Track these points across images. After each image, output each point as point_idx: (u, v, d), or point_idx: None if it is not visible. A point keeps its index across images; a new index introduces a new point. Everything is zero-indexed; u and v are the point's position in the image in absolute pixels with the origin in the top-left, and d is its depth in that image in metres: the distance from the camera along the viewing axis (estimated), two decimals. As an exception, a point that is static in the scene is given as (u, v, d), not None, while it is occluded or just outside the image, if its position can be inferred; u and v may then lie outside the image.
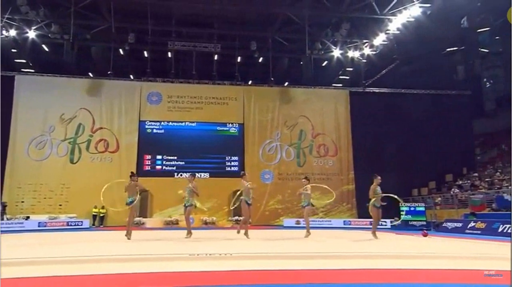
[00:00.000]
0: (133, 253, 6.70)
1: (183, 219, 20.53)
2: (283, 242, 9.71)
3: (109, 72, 24.48)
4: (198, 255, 6.17)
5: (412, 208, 18.55)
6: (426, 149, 25.08)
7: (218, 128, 24.51)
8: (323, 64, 28.07)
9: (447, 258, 6.39)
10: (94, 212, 22.44)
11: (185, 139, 24.03)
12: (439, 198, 22.32)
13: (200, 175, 23.47)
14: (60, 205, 22.63)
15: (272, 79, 25.75)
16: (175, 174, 23.81)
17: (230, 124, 24.66)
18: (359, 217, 23.17)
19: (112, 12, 22.65)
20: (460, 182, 23.44)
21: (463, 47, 28.45)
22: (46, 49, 24.18)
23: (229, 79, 25.61)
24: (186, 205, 11.31)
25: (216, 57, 25.52)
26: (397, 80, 26.71)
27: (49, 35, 23.59)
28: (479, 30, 28.15)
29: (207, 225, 21.20)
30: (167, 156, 23.94)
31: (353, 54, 26.64)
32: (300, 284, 4.55)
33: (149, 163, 23.83)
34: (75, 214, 21.81)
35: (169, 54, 25.39)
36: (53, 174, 22.81)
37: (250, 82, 26.39)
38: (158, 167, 23.86)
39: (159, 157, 23.92)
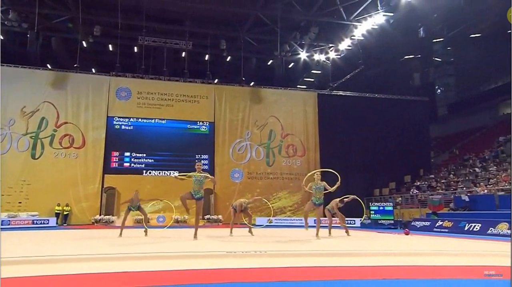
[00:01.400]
0: (170, 251, 6.71)
1: (154, 218, 20.96)
2: (299, 241, 9.88)
3: (75, 65, 23.52)
4: (235, 253, 6.29)
5: (381, 207, 19.37)
6: (387, 151, 26.40)
7: (189, 126, 24.39)
8: (290, 66, 28.75)
9: (446, 255, 6.76)
10: (57, 210, 21.55)
11: (155, 136, 23.75)
12: (400, 198, 23.54)
13: (170, 173, 23.24)
14: (20, 202, 21.47)
15: (244, 78, 25.92)
16: (144, 171, 23.50)
17: (201, 123, 24.60)
18: (325, 216, 23.70)
19: (80, 2, 21.80)
20: (418, 183, 24.85)
21: (419, 55, 30.30)
22: (3, 37, 22.76)
23: (200, 77, 25.56)
24: (196, 196, 10.15)
25: (187, 54, 25.27)
26: (361, 84, 28.01)
27: (6, 22, 22.22)
28: (434, 40, 30.11)
29: (179, 223, 21.16)
30: (135, 153, 23.53)
31: (319, 57, 27.50)
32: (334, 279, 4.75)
33: (117, 160, 23.32)
34: (37, 212, 20.72)
35: (139, 49, 24.82)
36: (12, 170, 21.63)
37: (221, 81, 26.28)
38: (126, 164, 23.38)
39: (127, 154, 23.44)
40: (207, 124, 24.61)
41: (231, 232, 12.38)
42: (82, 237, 11.01)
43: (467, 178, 22.48)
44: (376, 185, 26.48)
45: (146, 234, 11.67)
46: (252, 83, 27.32)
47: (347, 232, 12.85)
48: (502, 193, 17.83)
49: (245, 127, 25.21)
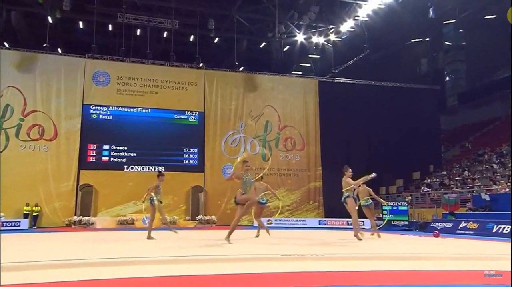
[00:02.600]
0: (228, 254, 6.85)
1: (139, 219, 20.03)
2: (341, 242, 9.97)
3: (44, 45, 22.01)
4: (290, 255, 6.36)
5: (394, 208, 18.79)
6: (394, 145, 25.67)
7: (176, 116, 23.37)
8: (285, 49, 27.89)
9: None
10: (26, 210, 20.16)
11: (137, 127, 22.60)
12: (409, 197, 22.98)
13: (154, 168, 22.23)
14: (-20, 202, 19.94)
15: (237, 63, 24.96)
16: (125, 167, 22.34)
17: (189, 112, 23.60)
18: (326, 216, 23.32)
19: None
20: (429, 180, 24.31)
21: (428, 39, 29.71)
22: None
23: (189, 61, 24.42)
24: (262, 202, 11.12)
25: (173, 35, 24.11)
26: (364, 70, 27.23)
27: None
28: (445, 22, 29.55)
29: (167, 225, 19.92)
30: (115, 146, 22.34)
31: (317, 40, 26.67)
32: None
33: (94, 154, 22.07)
34: (3, 214, 19.33)
35: (118, 28, 23.51)
36: (-28, 165, 20.03)
37: (210, 66, 25.26)
38: (105, 159, 22.18)
39: (106, 147, 22.24)
40: (196, 114, 23.64)
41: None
42: (109, 239, 10.81)
43: (484, 175, 21.96)
44: (382, 182, 25.70)
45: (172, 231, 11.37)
46: (241, 68, 26.39)
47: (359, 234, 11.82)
48: (525, 191, 17.51)
49: (238, 118, 24.33)
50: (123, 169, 22.20)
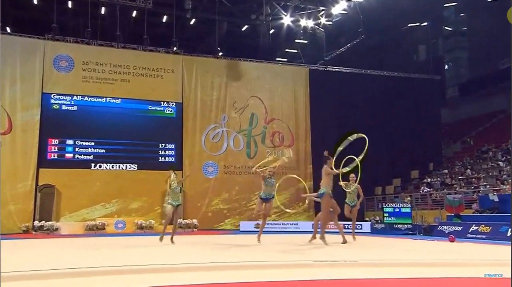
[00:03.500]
0: (258, 260, 7.01)
1: (110, 224, 19.32)
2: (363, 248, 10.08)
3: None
4: (322, 262, 6.54)
5: (396, 209, 18.22)
6: (390, 141, 25.04)
7: (150, 107, 22.14)
8: (270, 32, 26.89)
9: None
10: (-25, 215, 18.53)
11: (106, 120, 21.31)
12: (408, 198, 22.30)
13: (125, 167, 21.34)
14: None
15: (218, 48, 23.80)
16: (92, 165, 20.93)
17: (166, 103, 22.43)
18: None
19: None
20: (429, 179, 23.67)
21: (426, 23, 28.93)
22: None
23: (164, 46, 23.06)
24: (265, 198, 11.07)
25: (146, 15, 22.72)
26: (358, 58, 26.42)
27: None
28: (445, 5, 28.78)
29: (143, 230, 19.11)
30: (81, 141, 20.90)
31: (306, 23, 25.78)
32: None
33: (56, 150, 20.54)
34: None
35: (83, 6, 21.93)
36: None
37: (188, 51, 24.05)
38: (69, 155, 20.72)
39: (70, 142, 20.76)
40: (173, 105, 22.46)
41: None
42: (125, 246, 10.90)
43: (489, 174, 21.40)
44: (378, 182, 24.99)
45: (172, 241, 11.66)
46: (220, 54, 25.33)
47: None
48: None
49: (220, 110, 23.30)
50: (89, 168, 20.85)
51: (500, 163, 21.96)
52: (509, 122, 25.65)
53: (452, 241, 12.57)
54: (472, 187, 20.76)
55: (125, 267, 5.87)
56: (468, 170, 22.98)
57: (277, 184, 11.25)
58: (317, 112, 24.37)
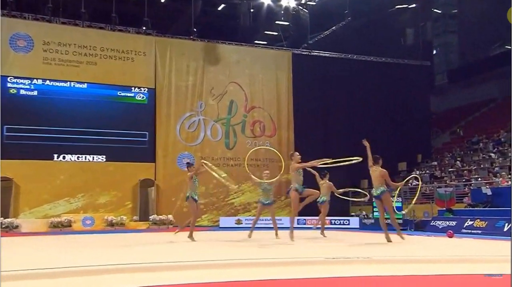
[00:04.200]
0: (266, 257, 7.27)
1: (77, 220, 18.82)
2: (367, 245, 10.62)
3: None
4: (334, 259, 6.67)
5: (386, 203, 18.03)
6: (376, 131, 24.75)
7: (120, 93, 21.46)
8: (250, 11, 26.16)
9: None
10: None
11: (71, 106, 20.48)
12: (395, 192, 22.15)
13: (93, 158, 20.70)
14: None
15: (195, 29, 22.96)
16: (55, 156, 20.11)
17: (137, 89, 21.77)
18: (299, 215, 22.27)
19: None
20: (418, 172, 23.52)
21: (414, 5, 28.65)
22: None
23: (135, 26, 22.24)
24: (265, 203, 11.97)
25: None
26: (344, 42, 26.00)
27: None
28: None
29: (114, 227, 18.67)
30: (42, 129, 20.03)
31: (287, 3, 25.22)
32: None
33: (14, 139, 19.56)
34: None
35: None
36: None
37: (164, 32, 23.30)
38: (28, 145, 19.78)
39: (29, 130, 19.81)
40: (146, 91, 21.86)
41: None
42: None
43: (481, 166, 21.33)
44: (364, 174, 24.74)
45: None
46: (197, 35, 24.62)
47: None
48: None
49: (197, 97, 22.81)
50: (52, 159, 20.05)
51: (492, 154, 21.89)
52: (501, 111, 25.80)
53: (450, 236, 12.71)
54: (463, 180, 20.68)
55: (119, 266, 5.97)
56: (458, 162, 22.91)
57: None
58: (301, 99, 24.00)
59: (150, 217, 20.14)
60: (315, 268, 6.04)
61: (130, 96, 21.64)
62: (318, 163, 11.17)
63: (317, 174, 12.72)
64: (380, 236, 11.56)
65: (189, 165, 12.44)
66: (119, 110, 21.32)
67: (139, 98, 21.79)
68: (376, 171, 10.82)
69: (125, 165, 20.82)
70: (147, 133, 21.69)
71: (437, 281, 5.37)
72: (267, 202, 11.82)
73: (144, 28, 22.18)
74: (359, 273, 5.63)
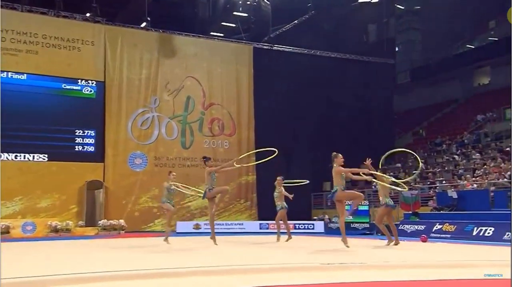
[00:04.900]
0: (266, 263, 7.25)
1: (16, 226, 18.07)
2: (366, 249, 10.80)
3: None
4: (329, 264, 6.82)
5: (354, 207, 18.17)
6: (340, 131, 25.03)
7: (65, 85, 20.90)
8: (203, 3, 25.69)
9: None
10: None
11: (8, 99, 19.52)
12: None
13: (33, 157, 19.99)
14: None
15: (149, 18, 22.34)
16: (-10, 156, 18.97)
17: (84, 82, 21.26)
18: (260, 219, 22.50)
19: None
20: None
21: (376, 0, 28.99)
22: None
23: (82, 12, 21.61)
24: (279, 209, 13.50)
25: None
26: (308, 36, 25.99)
27: None
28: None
29: (59, 233, 17.90)
30: (-27, 125, 18.91)
31: None
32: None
33: None
34: None
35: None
36: None
37: (114, 20, 22.66)
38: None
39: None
40: (94, 85, 21.37)
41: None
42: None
43: (445, 168, 21.75)
44: (326, 176, 24.88)
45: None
46: (144, 24, 24.00)
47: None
48: (493, 188, 17.92)
49: (151, 91, 22.49)
50: (-14, 159, 18.85)
51: (456, 156, 22.40)
52: (463, 112, 26.56)
53: (424, 241, 13.22)
54: (428, 183, 21.03)
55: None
56: (422, 164, 23.36)
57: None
58: (262, 96, 23.88)
59: (99, 222, 19.57)
60: (311, 274, 6.16)
61: (76, 90, 21.12)
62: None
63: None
64: (350, 240, 11.27)
65: (206, 159, 12.10)
66: (63, 105, 20.81)
67: (86, 92, 21.29)
68: (333, 171, 10.13)
69: (70, 165, 20.28)
70: (95, 130, 21.33)
71: (437, 285, 5.66)
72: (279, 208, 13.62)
73: (92, 15, 21.48)
74: (356, 279, 5.79)
